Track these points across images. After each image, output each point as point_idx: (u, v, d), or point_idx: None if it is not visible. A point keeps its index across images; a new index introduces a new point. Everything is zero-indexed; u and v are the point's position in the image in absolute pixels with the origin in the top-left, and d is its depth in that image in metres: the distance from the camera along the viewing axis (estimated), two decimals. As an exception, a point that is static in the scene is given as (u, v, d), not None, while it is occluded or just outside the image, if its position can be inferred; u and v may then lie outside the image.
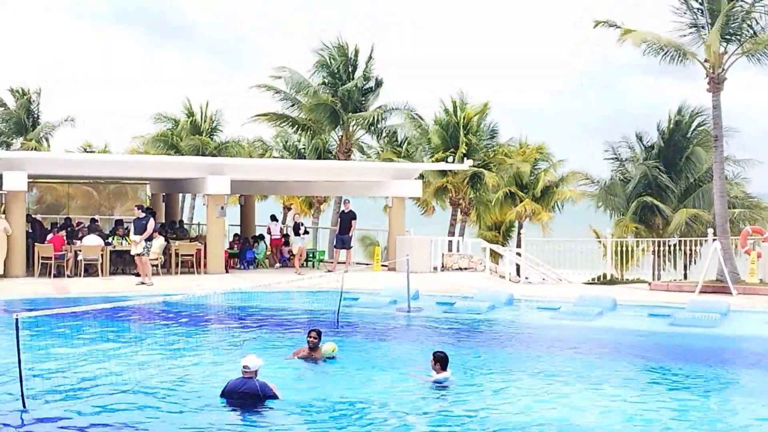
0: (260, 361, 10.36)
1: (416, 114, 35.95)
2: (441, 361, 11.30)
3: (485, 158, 35.06)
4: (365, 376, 12.01)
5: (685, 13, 22.75)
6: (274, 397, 10.08)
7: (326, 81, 34.94)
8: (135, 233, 22.06)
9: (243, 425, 9.55)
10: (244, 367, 10.11)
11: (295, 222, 25.94)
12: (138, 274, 22.27)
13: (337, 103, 34.16)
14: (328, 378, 11.84)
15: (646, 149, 32.85)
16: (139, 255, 21.81)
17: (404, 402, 10.60)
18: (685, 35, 22.81)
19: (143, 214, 22.26)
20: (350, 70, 35.15)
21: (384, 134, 36.41)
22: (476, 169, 33.53)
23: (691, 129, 32.46)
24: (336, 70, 35.06)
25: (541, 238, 30.43)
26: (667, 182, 31.53)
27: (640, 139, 33.06)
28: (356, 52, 35.40)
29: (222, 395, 10.15)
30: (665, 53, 22.84)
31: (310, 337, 12.59)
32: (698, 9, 22.59)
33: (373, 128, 35.82)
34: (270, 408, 9.92)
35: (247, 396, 9.97)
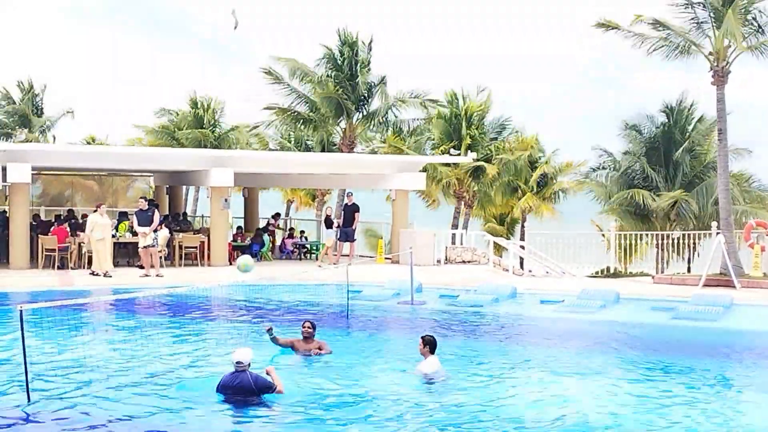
0: (251, 352, 10.17)
1: (427, 100, 35.85)
2: (430, 344, 11.18)
3: (488, 151, 35.06)
4: (368, 370, 12.02)
5: (687, 7, 22.71)
6: (271, 388, 9.91)
7: (330, 74, 34.89)
8: (140, 225, 22.07)
9: (238, 420, 9.50)
10: (238, 363, 9.88)
11: (327, 216, 26.00)
12: (141, 267, 22.29)
13: (342, 96, 34.12)
14: (330, 371, 11.83)
15: (642, 140, 32.84)
16: (147, 247, 21.84)
17: (406, 395, 10.61)
18: (687, 32, 22.79)
19: (147, 206, 22.31)
20: (354, 62, 35.08)
21: (389, 128, 36.29)
22: (479, 162, 33.54)
23: (692, 122, 32.48)
24: (340, 63, 34.98)
25: (544, 231, 30.39)
26: (659, 179, 31.53)
27: (629, 126, 32.99)
28: (358, 44, 35.27)
29: (217, 390, 9.99)
30: (671, 44, 22.81)
31: (305, 327, 12.54)
32: (700, 3, 22.55)
33: (378, 121, 35.73)
34: (270, 402, 9.85)
35: (241, 391, 9.79)
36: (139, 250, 22.22)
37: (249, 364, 10.00)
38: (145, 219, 22.08)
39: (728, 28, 21.08)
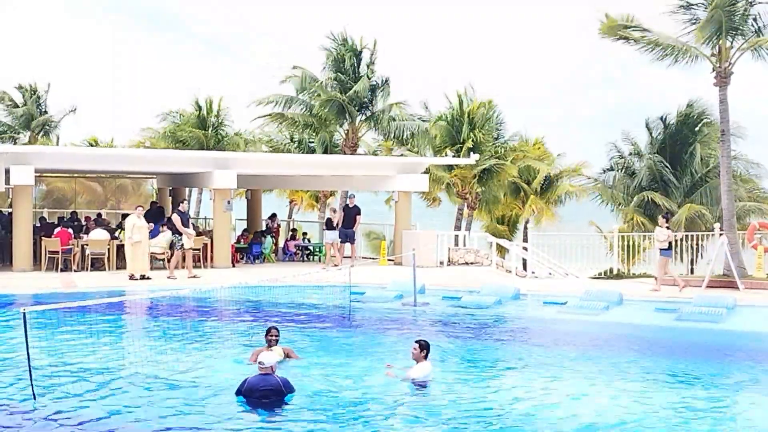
0: (276, 357, 10.38)
1: (423, 112, 36.02)
2: (427, 348, 11.13)
3: (495, 153, 35.11)
4: (372, 371, 12.00)
5: (686, 10, 22.73)
6: (293, 392, 9.97)
7: (333, 77, 34.85)
8: (186, 226, 22.39)
9: (260, 422, 9.50)
10: (260, 363, 9.96)
11: (328, 218, 26.14)
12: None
13: (344, 99, 34.11)
14: (331, 373, 11.83)
15: (652, 141, 32.87)
16: (183, 248, 22.28)
17: (412, 396, 10.62)
18: (689, 32, 22.79)
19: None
20: (356, 64, 35.03)
21: (391, 133, 36.24)
22: (488, 162, 33.59)
23: (698, 124, 32.47)
24: (342, 66, 34.90)
25: (547, 232, 30.44)
26: (671, 177, 31.52)
27: (647, 127, 32.98)
28: (361, 46, 35.23)
29: (239, 393, 9.99)
30: (670, 53, 22.82)
31: (270, 335, 11.95)
32: (701, 4, 22.55)
33: (380, 126, 35.69)
34: (286, 406, 9.84)
35: (269, 392, 9.80)
36: (184, 250, 22.34)
37: (273, 368, 10.07)
38: (186, 220, 22.51)
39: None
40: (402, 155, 35.52)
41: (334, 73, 34.77)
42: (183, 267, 22.92)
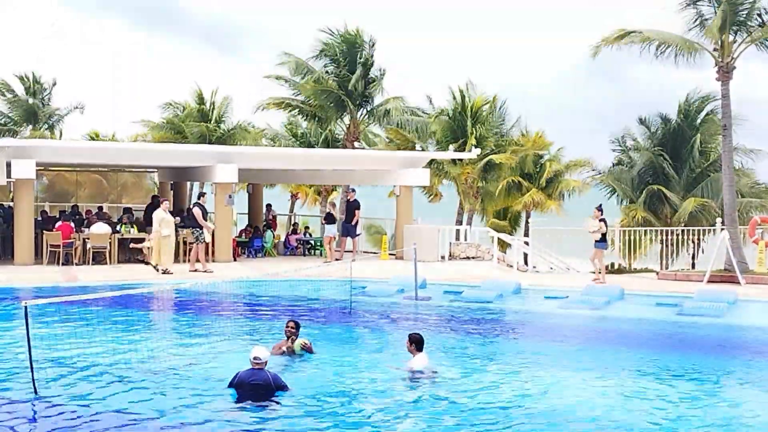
0: (269, 353, 10.43)
1: (424, 106, 35.98)
2: (416, 342, 11.26)
3: (495, 147, 35.06)
4: (372, 366, 12.02)
5: (690, 5, 22.71)
6: (285, 388, 10.01)
7: (329, 70, 34.76)
8: (204, 220, 22.71)
9: (252, 416, 9.51)
10: (255, 358, 10.01)
11: (328, 212, 26.22)
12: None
13: (341, 91, 34.02)
14: (335, 369, 11.85)
15: (651, 136, 32.88)
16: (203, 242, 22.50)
17: (413, 391, 10.64)
18: (691, 28, 22.78)
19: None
20: (353, 57, 34.86)
21: (392, 125, 36.16)
22: (491, 156, 33.53)
23: (699, 118, 32.45)
24: (340, 59, 34.77)
25: (549, 227, 30.39)
26: (671, 171, 31.53)
27: (643, 122, 32.98)
28: (357, 38, 35.06)
29: (231, 386, 10.06)
30: (672, 49, 22.81)
31: (288, 327, 12.25)
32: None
33: (380, 119, 35.61)
34: (279, 400, 9.87)
35: (258, 387, 9.86)
36: (199, 244, 22.48)
37: (266, 362, 10.09)
38: (205, 214, 22.76)
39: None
40: (396, 146, 35.38)
41: (332, 66, 34.65)
42: (186, 260, 22.98)
